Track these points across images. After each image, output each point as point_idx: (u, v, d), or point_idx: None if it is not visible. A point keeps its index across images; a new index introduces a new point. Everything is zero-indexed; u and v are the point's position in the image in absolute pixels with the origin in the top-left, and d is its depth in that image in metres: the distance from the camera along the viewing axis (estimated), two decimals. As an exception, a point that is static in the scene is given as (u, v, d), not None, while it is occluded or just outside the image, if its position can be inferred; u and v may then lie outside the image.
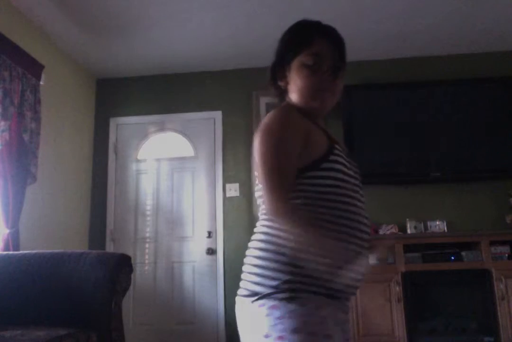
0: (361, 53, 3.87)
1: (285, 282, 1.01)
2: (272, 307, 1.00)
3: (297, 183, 1.07)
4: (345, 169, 1.10)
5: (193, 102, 4.09)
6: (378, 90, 3.85)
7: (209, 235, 3.85)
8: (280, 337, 0.98)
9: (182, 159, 4.06)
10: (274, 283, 1.02)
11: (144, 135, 4.13)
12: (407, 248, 3.30)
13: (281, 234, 1.05)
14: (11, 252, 2.60)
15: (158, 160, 4.07)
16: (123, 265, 2.22)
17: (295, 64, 1.15)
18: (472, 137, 3.68)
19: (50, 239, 3.32)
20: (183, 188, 3.99)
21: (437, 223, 3.55)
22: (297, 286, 1.01)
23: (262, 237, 1.09)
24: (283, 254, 1.03)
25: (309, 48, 1.14)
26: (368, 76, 3.90)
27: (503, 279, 3.17)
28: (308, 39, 1.15)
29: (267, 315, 1.00)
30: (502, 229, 3.51)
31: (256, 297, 1.03)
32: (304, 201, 1.07)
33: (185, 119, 4.09)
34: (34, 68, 3.06)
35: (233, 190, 3.89)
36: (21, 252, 2.53)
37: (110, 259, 2.20)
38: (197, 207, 3.93)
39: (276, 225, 1.07)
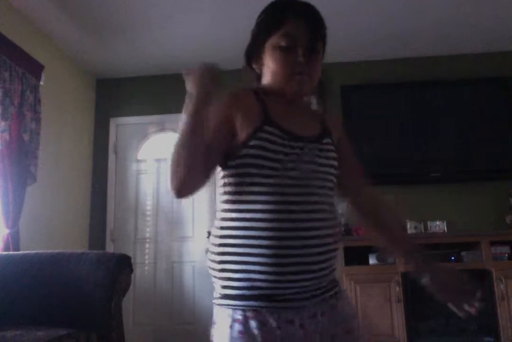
0: (361, 53, 3.87)
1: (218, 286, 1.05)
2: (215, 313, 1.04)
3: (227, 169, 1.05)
4: (268, 153, 0.99)
5: (193, 102, 4.08)
6: (378, 90, 3.85)
7: (209, 235, 3.84)
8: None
9: (182, 159, 4.05)
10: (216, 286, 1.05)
11: (144, 136, 4.13)
12: (407, 248, 3.29)
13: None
14: (11, 252, 2.60)
15: (158, 160, 4.06)
16: (123, 265, 2.22)
17: (268, 45, 1.10)
18: (472, 137, 3.68)
19: (50, 239, 3.32)
20: (183, 188, 3.98)
21: (437, 223, 3.54)
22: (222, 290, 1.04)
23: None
24: (214, 253, 1.05)
25: (282, 28, 1.06)
26: (368, 76, 3.90)
27: (503, 280, 3.16)
28: (280, 19, 1.07)
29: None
30: (502, 229, 3.51)
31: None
32: (228, 197, 1.04)
33: (185, 120, 4.09)
34: (34, 68, 3.06)
35: (233, 190, 3.89)
36: (21, 252, 2.53)
37: (110, 259, 2.20)
38: (197, 207, 3.93)
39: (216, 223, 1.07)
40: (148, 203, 3.99)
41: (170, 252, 3.86)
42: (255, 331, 0.94)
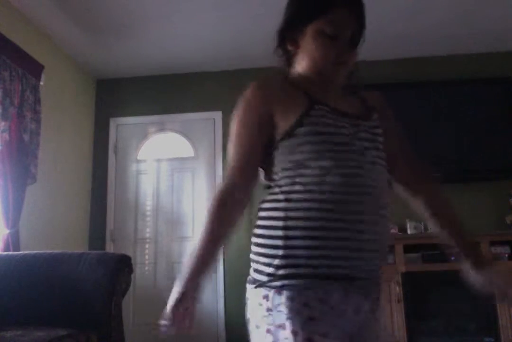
0: (361, 54, 3.86)
1: (278, 267, 0.96)
2: (264, 297, 0.97)
3: (272, 159, 1.04)
4: (329, 129, 1.00)
5: (193, 102, 4.09)
6: (378, 90, 3.84)
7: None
8: (267, 330, 0.96)
9: (182, 159, 4.05)
10: (268, 269, 0.98)
11: (144, 136, 4.13)
12: (407, 248, 3.30)
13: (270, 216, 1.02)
14: (11, 252, 2.61)
15: (158, 160, 4.06)
16: (123, 265, 2.22)
17: (310, 30, 1.05)
18: (472, 138, 3.68)
19: (50, 239, 3.32)
20: (183, 188, 3.98)
21: (437, 223, 3.54)
22: (291, 271, 0.95)
23: (258, 222, 1.06)
24: (273, 237, 0.99)
25: (328, 14, 1.03)
26: (368, 76, 3.89)
27: (503, 279, 3.16)
28: (329, 4, 1.04)
29: (260, 304, 0.98)
30: (502, 230, 3.50)
31: (254, 285, 1.01)
32: (282, 174, 1.02)
33: (185, 120, 4.09)
34: (34, 68, 3.06)
35: (233, 190, 3.89)
36: (21, 252, 2.53)
37: (110, 259, 2.20)
38: (197, 207, 3.93)
39: (265, 206, 1.04)
40: (148, 203, 3.99)
41: (170, 252, 3.86)
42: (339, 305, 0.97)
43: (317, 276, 0.95)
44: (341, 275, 0.97)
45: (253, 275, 1.03)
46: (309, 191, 0.97)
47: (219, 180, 3.95)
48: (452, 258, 3.23)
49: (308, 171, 0.98)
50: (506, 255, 3.26)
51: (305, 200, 0.97)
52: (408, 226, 3.53)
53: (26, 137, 2.89)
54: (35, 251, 2.40)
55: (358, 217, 0.97)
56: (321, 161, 0.98)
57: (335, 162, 0.98)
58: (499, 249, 3.26)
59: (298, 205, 0.98)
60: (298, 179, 0.99)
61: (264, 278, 0.98)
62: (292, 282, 0.95)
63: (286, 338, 0.92)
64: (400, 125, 1.20)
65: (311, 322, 0.93)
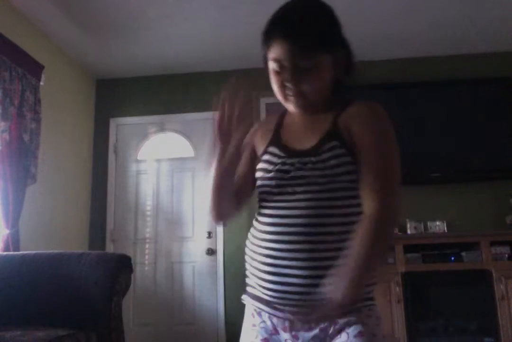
0: (361, 54, 3.86)
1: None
2: None
3: None
4: (265, 174, 1.10)
5: (193, 102, 4.08)
6: (378, 90, 3.84)
7: (209, 235, 3.85)
8: None
9: (182, 159, 4.05)
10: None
11: (144, 136, 4.13)
12: (407, 248, 3.30)
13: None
14: (11, 253, 2.60)
15: (158, 160, 4.07)
16: (123, 265, 2.22)
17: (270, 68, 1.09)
18: (472, 138, 3.68)
19: (50, 239, 3.32)
20: (183, 188, 3.98)
21: (437, 223, 3.54)
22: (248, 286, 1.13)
23: None
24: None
25: (271, 51, 1.05)
26: (368, 76, 3.89)
27: (503, 280, 3.16)
28: (268, 42, 1.06)
29: None
30: (502, 230, 3.51)
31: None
32: None
33: (185, 120, 4.09)
34: (34, 68, 3.06)
35: (233, 190, 3.89)
36: (21, 252, 2.52)
37: (110, 259, 2.20)
38: (197, 207, 3.93)
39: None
40: (148, 203, 3.99)
41: (170, 252, 3.86)
42: None
43: None
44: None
45: None
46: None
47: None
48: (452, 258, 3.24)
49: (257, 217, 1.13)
50: (506, 255, 3.26)
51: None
52: (408, 226, 3.54)
53: (26, 137, 2.89)
54: (35, 251, 2.40)
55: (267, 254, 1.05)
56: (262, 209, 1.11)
57: (266, 204, 1.09)
58: (499, 249, 3.26)
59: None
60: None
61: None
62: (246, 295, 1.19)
63: None
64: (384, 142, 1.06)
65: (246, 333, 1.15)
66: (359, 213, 1.00)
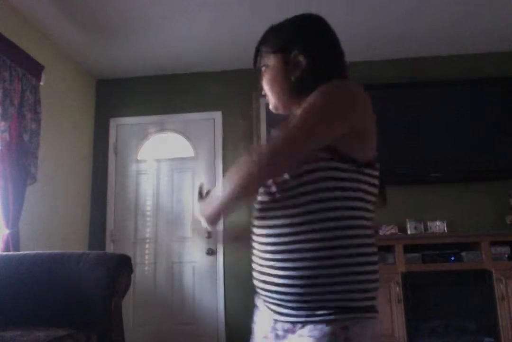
0: (361, 54, 3.87)
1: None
2: None
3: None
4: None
5: (193, 102, 4.09)
6: (378, 90, 3.84)
7: (209, 235, 3.84)
8: None
9: (182, 159, 4.06)
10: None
11: (144, 136, 4.13)
12: (407, 249, 3.30)
13: None
14: (11, 253, 2.60)
15: (158, 160, 4.07)
16: (123, 265, 2.22)
17: None
18: (472, 137, 3.67)
19: (50, 239, 3.32)
20: (183, 188, 3.98)
21: (437, 223, 3.54)
22: None
23: None
24: None
25: None
26: (368, 76, 3.90)
27: (503, 280, 3.16)
28: None
29: None
30: (502, 230, 3.51)
31: None
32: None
33: (185, 120, 4.09)
34: (34, 68, 3.06)
35: (233, 190, 3.88)
36: (21, 252, 2.53)
37: (110, 259, 2.20)
38: (197, 208, 3.92)
39: None
40: (148, 203, 3.99)
41: (170, 252, 3.86)
42: None
43: None
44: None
45: None
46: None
47: (219, 180, 3.95)
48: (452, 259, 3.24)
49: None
50: (506, 255, 3.26)
51: None
52: (408, 226, 3.53)
53: (26, 137, 2.89)
54: (35, 251, 2.40)
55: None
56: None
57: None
58: (499, 249, 3.26)
59: None
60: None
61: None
62: None
63: None
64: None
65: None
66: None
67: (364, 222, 0.97)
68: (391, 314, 3.17)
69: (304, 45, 1.07)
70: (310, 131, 0.90)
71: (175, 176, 4.02)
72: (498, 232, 3.40)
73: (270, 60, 1.11)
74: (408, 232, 3.52)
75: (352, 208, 0.95)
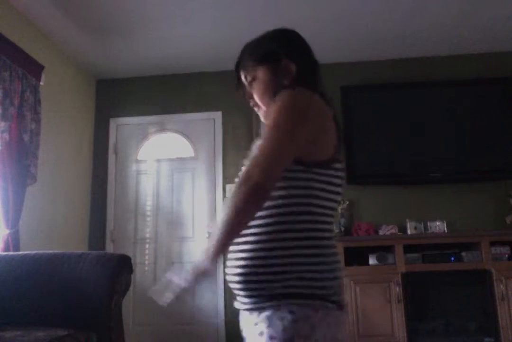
0: (361, 54, 3.87)
1: None
2: None
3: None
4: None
5: (193, 102, 4.09)
6: (378, 90, 3.85)
7: (209, 235, 3.84)
8: None
9: (182, 160, 4.06)
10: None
11: (144, 136, 4.13)
12: (407, 249, 3.30)
13: None
14: (11, 253, 2.60)
15: (158, 161, 4.07)
16: (123, 265, 2.22)
17: None
18: (472, 138, 3.68)
19: (50, 239, 3.32)
20: (183, 189, 3.98)
21: (437, 223, 3.54)
22: None
23: None
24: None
25: None
26: (368, 76, 3.90)
27: (503, 280, 3.16)
28: None
29: None
30: (502, 230, 3.51)
31: None
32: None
33: (185, 120, 4.09)
34: (34, 68, 3.06)
35: (233, 190, 3.89)
36: (21, 252, 2.52)
37: (110, 259, 2.20)
38: (197, 208, 3.93)
39: None
40: (148, 203, 3.99)
41: (170, 252, 3.86)
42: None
43: None
44: None
45: None
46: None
47: (219, 180, 3.95)
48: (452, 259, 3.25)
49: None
50: (506, 255, 3.26)
51: None
52: (408, 226, 3.53)
53: (26, 137, 2.89)
54: (35, 251, 2.39)
55: None
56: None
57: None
58: (499, 249, 3.26)
59: None
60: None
61: None
62: None
63: None
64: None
65: None
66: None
67: (316, 217, 1.02)
68: (391, 314, 3.17)
69: (292, 54, 1.14)
70: (291, 138, 0.97)
71: (175, 176, 4.02)
72: (498, 232, 3.40)
73: (257, 72, 1.15)
74: (408, 232, 3.52)
75: (299, 204, 1.01)
